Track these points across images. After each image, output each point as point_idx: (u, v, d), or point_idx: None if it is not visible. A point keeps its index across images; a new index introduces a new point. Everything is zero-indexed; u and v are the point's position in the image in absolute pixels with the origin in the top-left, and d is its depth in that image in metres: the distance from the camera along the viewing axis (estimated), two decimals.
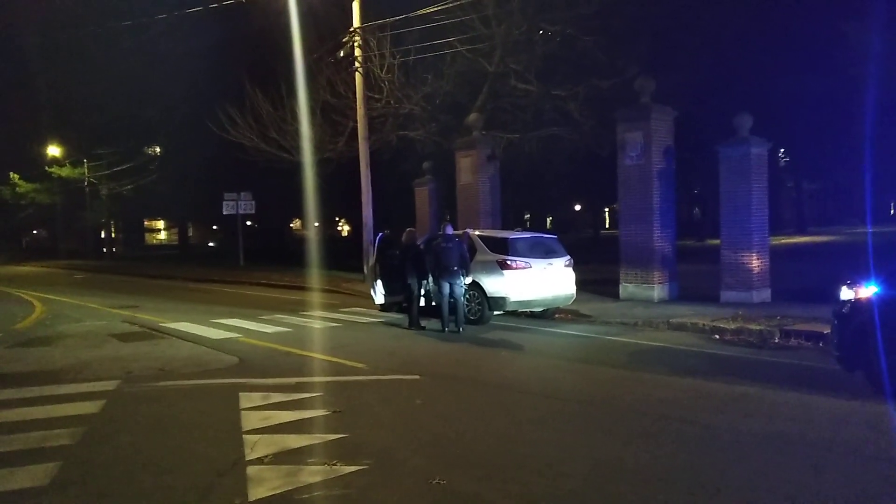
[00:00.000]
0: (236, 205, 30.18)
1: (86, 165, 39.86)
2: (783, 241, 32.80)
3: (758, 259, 13.30)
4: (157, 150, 41.80)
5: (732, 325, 10.62)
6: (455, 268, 11.40)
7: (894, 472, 4.72)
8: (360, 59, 18.54)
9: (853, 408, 6.28)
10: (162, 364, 9.06)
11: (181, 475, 4.91)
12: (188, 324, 12.83)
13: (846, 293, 7.05)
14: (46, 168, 39.38)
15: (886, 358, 6.41)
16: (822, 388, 7.03)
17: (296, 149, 20.44)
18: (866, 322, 6.58)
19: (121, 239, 56.46)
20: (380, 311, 13.92)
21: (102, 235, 48.71)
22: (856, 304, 6.89)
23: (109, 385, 7.80)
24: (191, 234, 56.85)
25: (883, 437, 5.46)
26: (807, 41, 27.15)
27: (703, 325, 10.98)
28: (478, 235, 13.11)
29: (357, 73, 18.64)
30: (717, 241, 14.35)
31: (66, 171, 39.17)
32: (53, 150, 40.71)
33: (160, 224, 66.65)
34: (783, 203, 50.78)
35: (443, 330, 11.41)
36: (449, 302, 11.51)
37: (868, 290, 6.77)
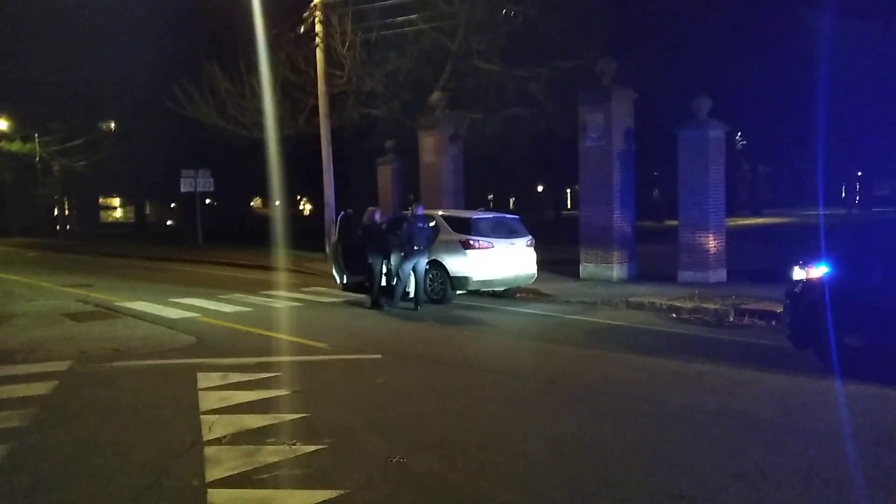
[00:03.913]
0: (194, 182, 29.50)
1: (37, 140, 38.54)
2: (739, 222, 33.54)
3: (714, 240, 13.56)
4: (112, 125, 40.60)
5: (689, 305, 10.83)
6: (421, 247, 11.52)
7: (840, 447, 4.88)
8: (321, 34, 18.23)
9: (804, 384, 6.47)
10: (117, 344, 8.88)
11: (136, 457, 4.82)
12: (144, 303, 12.58)
13: (798, 273, 7.23)
14: None
15: (836, 336, 6.61)
16: (774, 365, 7.22)
17: (255, 126, 20.05)
18: (817, 301, 6.76)
19: (75, 216, 54.85)
20: (342, 290, 13.82)
21: (56, 213, 47.35)
22: (807, 284, 7.07)
23: (62, 366, 7.61)
24: (148, 212, 55.53)
25: (831, 413, 5.64)
26: (765, 26, 27.58)
27: (661, 304, 11.17)
28: (441, 215, 13.10)
29: (318, 49, 18.34)
30: (675, 223, 14.58)
31: (16, 146, 37.78)
32: (1, 125, 39.24)
33: (116, 202, 64.99)
34: (739, 186, 51.87)
35: (393, 305, 11.64)
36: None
37: (819, 271, 6.95)
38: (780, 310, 8.47)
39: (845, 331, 6.61)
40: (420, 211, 11.96)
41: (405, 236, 11.54)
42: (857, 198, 51.56)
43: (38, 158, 39.34)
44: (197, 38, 24.51)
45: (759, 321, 9.81)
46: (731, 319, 10.09)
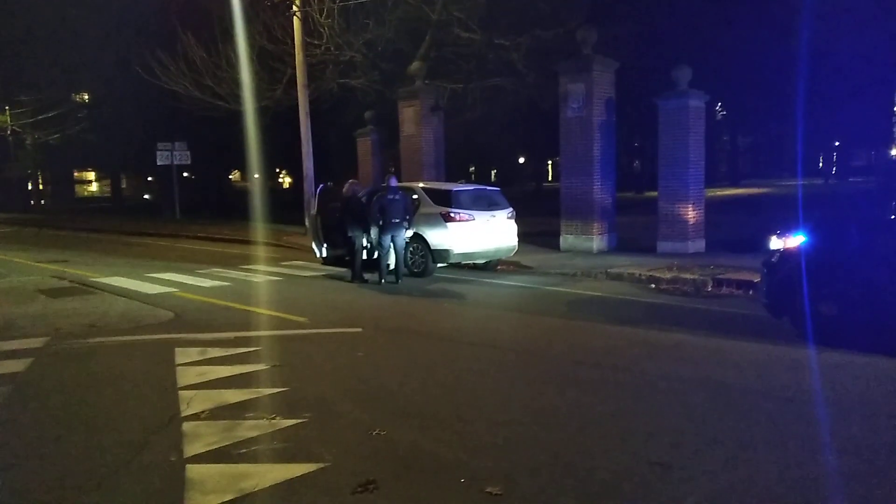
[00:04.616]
0: (171, 155, 29.14)
1: (7, 113, 37.68)
2: (718, 193, 33.75)
3: (693, 210, 13.63)
4: (86, 97, 39.76)
5: (668, 275, 10.90)
6: (398, 220, 11.42)
7: (814, 413, 4.96)
8: (298, 2, 17.87)
9: (779, 352, 6.56)
10: (93, 320, 8.77)
11: (113, 433, 4.78)
12: (121, 278, 12.44)
13: (775, 243, 7.29)
14: None
15: (811, 304, 6.69)
16: (751, 334, 7.30)
17: (232, 97, 19.72)
18: (793, 270, 6.82)
19: (49, 191, 54.01)
20: (322, 264, 13.76)
21: (29, 187, 46.52)
22: (784, 253, 7.13)
23: (37, 342, 7.52)
24: (124, 186, 54.76)
25: (805, 380, 5.72)
26: None
27: (640, 274, 11.24)
28: (421, 188, 13.01)
29: (295, 17, 17.98)
30: (655, 194, 14.62)
31: None
32: None
33: (91, 175, 63.95)
34: (719, 156, 52.13)
35: (379, 282, 11.50)
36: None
37: (796, 240, 7.01)
38: (757, 279, 8.55)
39: (820, 300, 6.69)
40: (393, 183, 11.83)
41: (376, 208, 11.46)
42: (835, 168, 52.08)
43: (9, 132, 38.51)
44: (171, 6, 23.95)
45: (736, 291, 9.91)
46: (710, 289, 10.17)
